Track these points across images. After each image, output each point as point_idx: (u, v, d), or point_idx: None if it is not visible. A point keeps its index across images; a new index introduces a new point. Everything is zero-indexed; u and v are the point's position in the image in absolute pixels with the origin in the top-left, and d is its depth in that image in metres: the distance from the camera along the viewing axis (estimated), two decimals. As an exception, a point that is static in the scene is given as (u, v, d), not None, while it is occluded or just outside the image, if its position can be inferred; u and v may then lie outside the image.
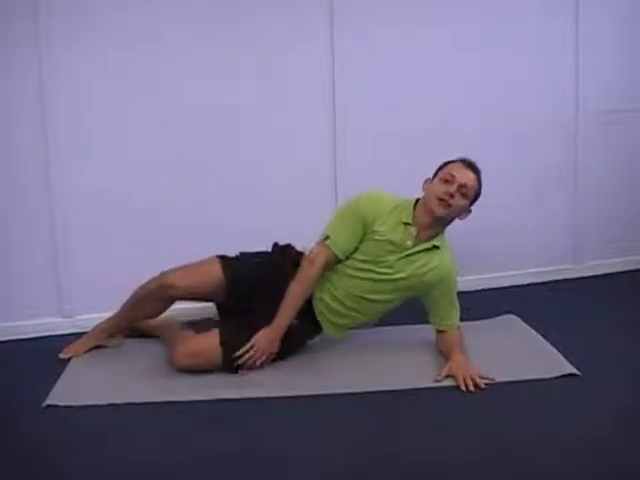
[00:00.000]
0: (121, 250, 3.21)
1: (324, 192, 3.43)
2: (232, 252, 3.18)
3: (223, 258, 2.83)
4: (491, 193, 3.47)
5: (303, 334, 2.84)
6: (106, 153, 3.15)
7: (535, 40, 3.60)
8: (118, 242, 3.20)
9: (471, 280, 3.46)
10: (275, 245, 2.95)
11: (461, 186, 2.67)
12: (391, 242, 2.71)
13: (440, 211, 2.68)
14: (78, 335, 3.09)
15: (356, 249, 2.75)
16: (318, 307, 2.80)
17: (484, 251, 3.54)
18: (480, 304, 3.30)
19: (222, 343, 2.66)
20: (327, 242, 2.74)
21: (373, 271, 2.73)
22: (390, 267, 2.73)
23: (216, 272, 2.78)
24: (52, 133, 3.06)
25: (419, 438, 2.28)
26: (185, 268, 2.78)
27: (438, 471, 2.11)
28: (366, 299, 2.77)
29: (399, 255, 2.72)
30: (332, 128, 3.40)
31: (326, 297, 2.78)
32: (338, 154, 3.42)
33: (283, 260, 2.85)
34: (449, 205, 2.67)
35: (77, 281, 3.18)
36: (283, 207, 3.33)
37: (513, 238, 3.70)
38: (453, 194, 2.66)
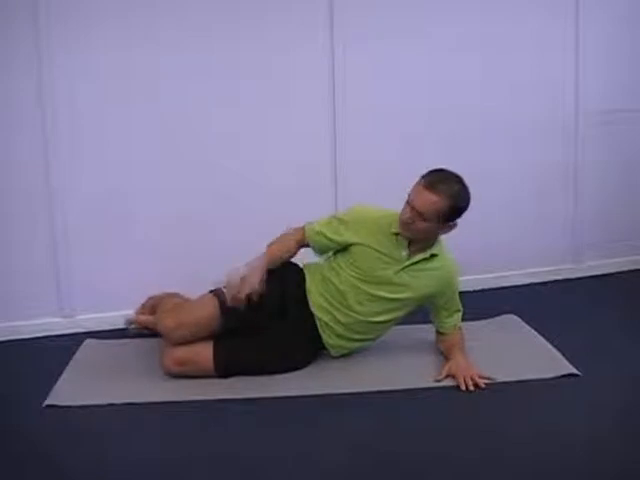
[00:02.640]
0: (121, 250, 3.21)
1: (324, 192, 3.43)
2: (230, 252, 3.17)
3: (222, 303, 2.66)
4: (491, 193, 3.49)
5: (307, 356, 2.79)
6: (106, 153, 3.15)
7: (535, 40, 3.60)
8: (118, 242, 3.20)
9: (471, 280, 3.46)
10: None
11: (416, 211, 2.56)
12: (383, 253, 2.67)
13: (405, 233, 2.64)
14: (78, 335, 3.10)
15: (353, 266, 2.70)
16: (325, 333, 2.76)
17: (484, 251, 3.54)
18: (480, 304, 3.30)
19: (215, 354, 2.64)
20: (306, 226, 2.76)
21: (372, 294, 2.69)
22: (390, 283, 2.68)
23: (215, 321, 2.66)
24: (52, 133, 3.06)
25: (419, 438, 2.28)
26: (181, 316, 2.68)
27: (438, 471, 2.11)
28: (372, 322, 2.73)
29: (397, 267, 2.68)
30: (332, 128, 3.40)
31: (331, 323, 2.74)
32: (338, 154, 3.42)
33: (285, 281, 2.78)
34: (409, 229, 2.61)
35: (77, 281, 3.18)
36: (283, 206, 3.33)
37: (513, 238, 3.70)
38: (408, 220, 2.58)
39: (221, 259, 3.21)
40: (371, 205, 2.77)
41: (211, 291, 2.75)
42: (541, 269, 3.79)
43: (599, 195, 3.82)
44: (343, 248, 2.75)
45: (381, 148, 3.45)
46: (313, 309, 2.74)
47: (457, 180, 2.62)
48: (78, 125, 3.10)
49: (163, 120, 3.19)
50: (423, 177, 2.62)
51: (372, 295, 2.70)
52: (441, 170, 2.63)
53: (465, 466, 2.12)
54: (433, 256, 2.70)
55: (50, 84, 3.02)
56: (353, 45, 3.34)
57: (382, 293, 2.70)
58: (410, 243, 2.68)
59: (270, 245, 2.75)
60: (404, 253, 2.68)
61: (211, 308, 2.67)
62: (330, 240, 2.74)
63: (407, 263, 2.69)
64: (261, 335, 2.70)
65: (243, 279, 2.59)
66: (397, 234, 2.67)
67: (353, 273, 2.71)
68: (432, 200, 2.55)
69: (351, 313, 2.71)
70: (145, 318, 3.09)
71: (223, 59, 3.23)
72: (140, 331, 3.09)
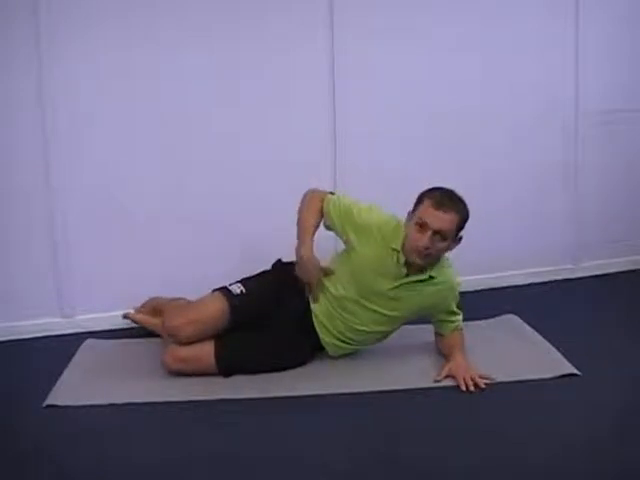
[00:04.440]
0: (121, 250, 3.21)
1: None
2: (230, 252, 3.18)
3: (229, 299, 2.68)
4: (491, 193, 3.49)
5: (304, 351, 2.79)
6: (106, 153, 3.15)
7: (535, 40, 3.60)
8: (118, 242, 3.20)
9: (471, 280, 3.46)
10: (277, 262, 2.91)
11: (435, 232, 2.54)
12: (380, 266, 2.64)
13: (421, 262, 2.61)
14: (78, 335, 3.10)
15: (351, 277, 2.69)
16: (322, 331, 2.76)
17: (484, 251, 3.54)
18: (480, 304, 3.30)
19: (217, 352, 2.64)
20: (329, 195, 2.76)
21: (367, 307, 2.69)
22: (385, 297, 2.66)
23: (223, 318, 2.66)
24: (52, 133, 3.05)
25: (419, 438, 2.28)
26: (189, 314, 2.67)
27: (438, 471, 2.11)
28: (366, 331, 2.74)
29: (393, 284, 2.66)
30: (332, 128, 3.39)
31: (328, 325, 2.74)
32: (338, 154, 3.42)
33: (285, 280, 2.79)
34: (428, 255, 2.59)
35: (77, 281, 3.18)
36: (283, 206, 3.32)
37: (513, 238, 3.70)
38: (429, 245, 2.55)
39: (221, 259, 3.24)
40: (380, 209, 2.74)
41: (214, 290, 2.75)
42: (541, 269, 3.78)
43: (599, 195, 3.82)
44: (344, 252, 2.76)
45: (381, 148, 3.44)
46: (310, 301, 2.75)
47: (456, 194, 2.63)
48: (78, 125, 3.09)
49: (163, 120, 3.19)
50: (429, 199, 2.58)
51: (367, 308, 2.70)
52: (439, 188, 2.62)
53: (465, 466, 2.12)
54: (431, 277, 2.68)
55: (50, 84, 3.02)
56: (353, 45, 3.33)
57: (376, 307, 2.69)
58: (407, 263, 2.63)
59: (300, 214, 2.76)
60: (403, 269, 2.65)
61: (219, 306, 2.68)
62: (336, 223, 2.72)
63: (404, 281, 2.67)
64: (262, 332, 2.70)
65: (303, 275, 2.69)
66: (397, 251, 2.63)
67: (350, 286, 2.69)
68: (448, 218, 2.55)
69: (347, 318, 2.71)
70: (140, 317, 3.11)
71: (223, 59, 3.22)
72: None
